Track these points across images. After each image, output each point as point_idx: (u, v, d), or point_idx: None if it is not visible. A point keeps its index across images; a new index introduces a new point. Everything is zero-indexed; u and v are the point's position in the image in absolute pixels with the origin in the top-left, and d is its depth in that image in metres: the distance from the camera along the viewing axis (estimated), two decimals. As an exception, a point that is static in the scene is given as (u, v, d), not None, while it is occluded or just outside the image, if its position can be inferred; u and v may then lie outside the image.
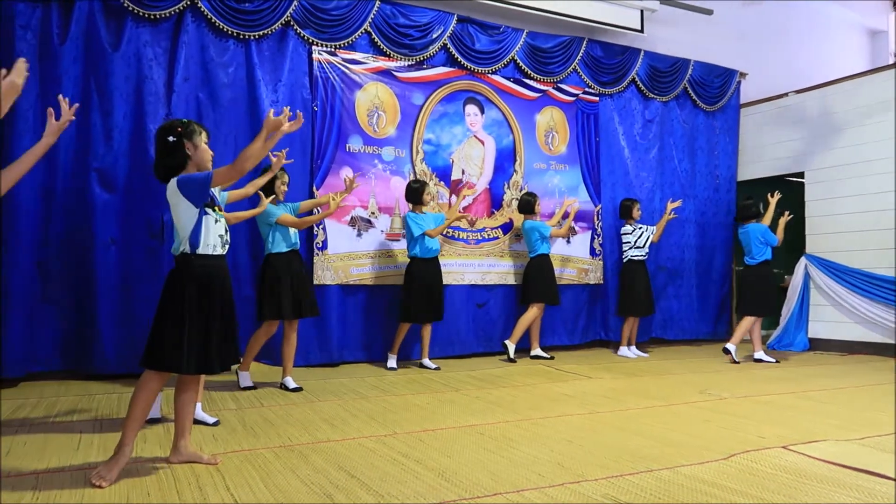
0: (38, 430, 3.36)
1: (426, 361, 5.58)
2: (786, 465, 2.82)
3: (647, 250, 6.51)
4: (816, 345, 7.08)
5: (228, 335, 2.76)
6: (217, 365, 2.70)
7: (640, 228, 6.53)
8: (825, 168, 7.17)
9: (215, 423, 3.54)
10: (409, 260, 5.55)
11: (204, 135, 2.80)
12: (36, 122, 4.64)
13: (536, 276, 6.11)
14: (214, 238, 2.73)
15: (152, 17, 5.03)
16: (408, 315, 5.45)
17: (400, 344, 5.59)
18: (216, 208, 2.78)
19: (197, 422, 3.57)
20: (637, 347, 6.61)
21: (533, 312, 6.07)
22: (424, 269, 5.46)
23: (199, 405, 3.64)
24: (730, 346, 6.11)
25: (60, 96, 2.66)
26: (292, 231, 4.62)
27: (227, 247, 2.82)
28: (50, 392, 4.31)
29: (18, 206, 4.57)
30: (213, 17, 5.23)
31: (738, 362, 6.03)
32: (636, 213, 6.55)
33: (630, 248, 6.53)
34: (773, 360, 6.08)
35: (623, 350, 6.51)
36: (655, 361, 6.22)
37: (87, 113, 4.84)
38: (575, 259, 6.88)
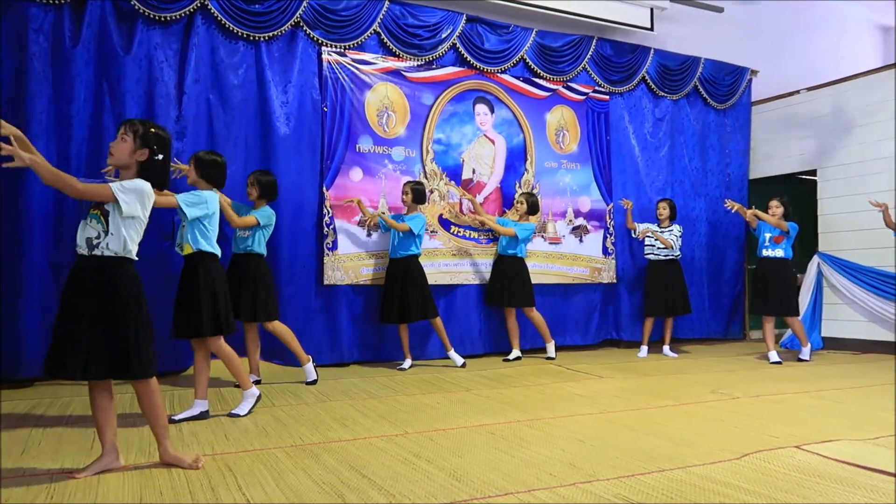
0: (52, 430, 3.39)
1: (405, 363, 5.55)
2: (799, 465, 2.80)
3: (660, 249, 6.49)
4: (830, 344, 7.02)
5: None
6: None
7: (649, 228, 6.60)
8: (838, 165, 7.12)
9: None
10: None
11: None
12: (49, 126, 4.68)
13: None
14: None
15: (163, 19, 5.06)
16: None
17: (408, 344, 5.60)
18: (91, 209, 2.67)
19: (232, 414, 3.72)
20: (669, 347, 6.62)
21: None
22: (388, 270, 5.57)
23: (245, 406, 3.76)
24: (804, 351, 6.25)
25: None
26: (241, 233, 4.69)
27: (94, 250, 2.61)
28: (65, 392, 4.35)
29: (33, 207, 4.62)
30: (223, 19, 5.26)
31: (808, 359, 6.20)
32: (658, 212, 6.59)
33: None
34: (779, 361, 6.02)
35: (641, 350, 6.54)
36: (667, 361, 6.20)
37: (100, 115, 4.88)
38: (586, 258, 6.86)
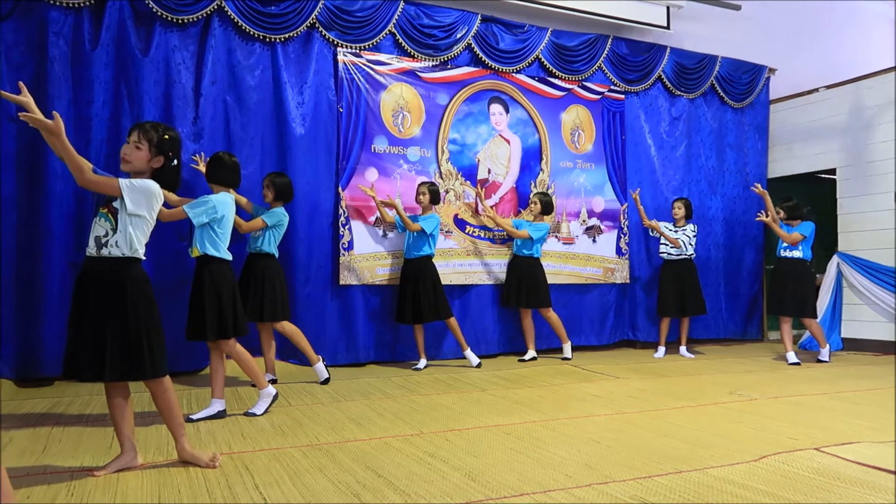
0: (73, 428, 3.44)
1: (420, 363, 5.57)
2: (818, 468, 2.77)
3: (673, 248, 6.44)
4: (849, 345, 6.94)
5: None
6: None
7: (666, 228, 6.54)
8: (857, 164, 7.03)
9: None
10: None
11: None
12: (68, 128, 4.65)
13: None
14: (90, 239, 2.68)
15: (180, 21, 5.10)
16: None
17: (422, 344, 5.61)
18: (100, 208, 2.69)
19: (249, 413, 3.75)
20: (686, 348, 6.58)
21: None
22: (403, 270, 5.60)
23: (261, 405, 3.80)
24: (823, 353, 6.16)
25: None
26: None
27: (102, 249, 2.63)
28: (84, 391, 4.40)
29: (52, 208, 4.68)
30: (240, 21, 5.29)
31: (827, 360, 6.12)
32: (673, 212, 6.56)
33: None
34: (798, 362, 5.96)
35: (658, 350, 6.50)
36: (684, 361, 6.16)
37: (119, 118, 4.93)
38: (599, 258, 6.83)
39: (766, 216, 6.04)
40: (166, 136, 2.74)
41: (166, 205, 3.36)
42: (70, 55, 4.79)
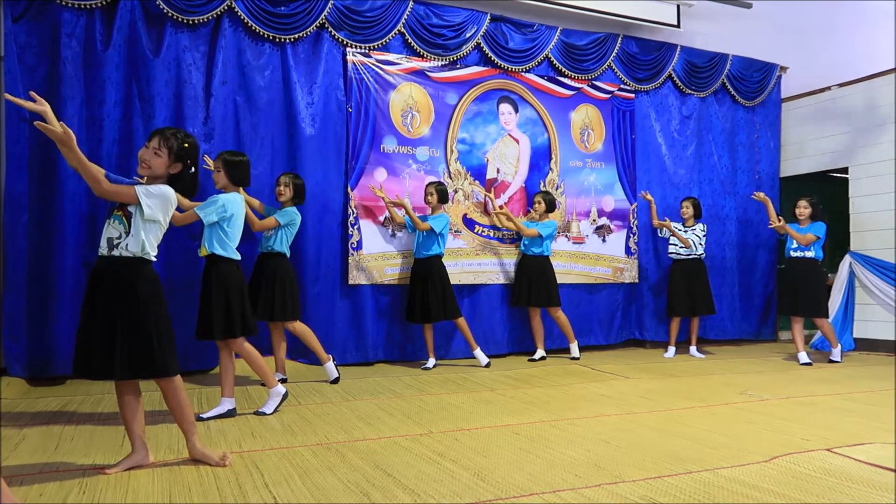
0: (84, 427, 3.46)
1: (429, 362, 5.58)
2: (830, 469, 2.75)
3: (682, 248, 6.41)
4: (862, 345, 6.89)
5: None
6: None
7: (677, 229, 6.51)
8: (870, 163, 6.97)
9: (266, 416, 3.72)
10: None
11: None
12: (80, 127, 4.77)
13: None
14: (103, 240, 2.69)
15: (191, 22, 5.13)
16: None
17: (432, 344, 5.62)
18: (114, 210, 2.71)
19: (258, 412, 3.76)
20: (696, 348, 6.55)
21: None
22: (412, 270, 5.61)
23: (271, 404, 3.80)
24: (835, 353, 6.12)
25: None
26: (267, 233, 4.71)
27: (114, 250, 2.64)
28: (96, 389, 4.43)
29: (66, 206, 4.72)
30: (250, 21, 5.31)
31: (839, 360, 6.07)
32: (681, 211, 6.55)
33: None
34: (810, 362, 5.91)
35: (668, 350, 6.47)
36: (694, 362, 6.14)
37: (130, 118, 4.96)
38: (609, 258, 6.81)
39: (778, 222, 5.96)
40: (185, 145, 2.76)
41: (178, 209, 3.39)
42: (82, 56, 4.83)
